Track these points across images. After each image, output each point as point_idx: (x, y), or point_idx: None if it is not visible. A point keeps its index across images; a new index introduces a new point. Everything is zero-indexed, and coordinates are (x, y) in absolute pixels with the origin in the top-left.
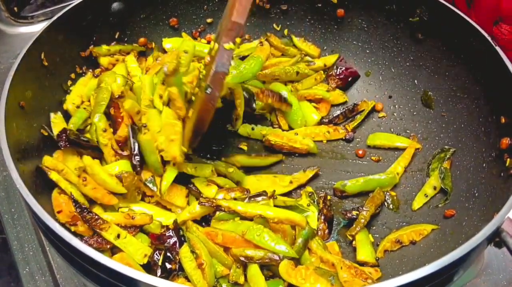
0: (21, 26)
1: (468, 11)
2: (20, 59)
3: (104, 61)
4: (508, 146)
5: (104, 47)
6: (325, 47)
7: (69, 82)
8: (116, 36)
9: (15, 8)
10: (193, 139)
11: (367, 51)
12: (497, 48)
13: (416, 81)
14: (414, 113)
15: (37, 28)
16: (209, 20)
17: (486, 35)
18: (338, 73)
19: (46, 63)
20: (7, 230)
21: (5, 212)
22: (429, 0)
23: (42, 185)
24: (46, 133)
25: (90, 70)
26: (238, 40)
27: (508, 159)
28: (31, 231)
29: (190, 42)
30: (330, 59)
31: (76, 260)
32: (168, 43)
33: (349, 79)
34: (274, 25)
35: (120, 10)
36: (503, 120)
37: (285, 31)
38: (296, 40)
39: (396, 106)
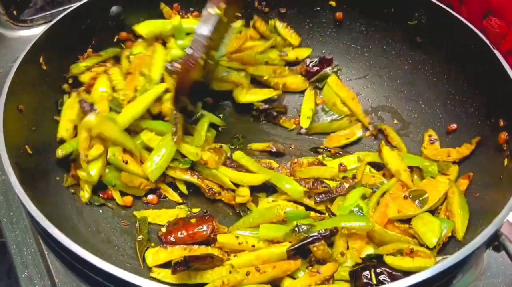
0: (21, 29)
1: (460, 6)
2: (19, 63)
3: (84, 78)
4: (506, 141)
5: (82, 65)
6: (323, 51)
7: (66, 86)
8: (115, 40)
9: (14, 12)
10: (176, 99)
11: (366, 54)
12: (496, 51)
13: (414, 84)
14: (412, 116)
15: (37, 31)
16: None
17: (484, 38)
18: (310, 65)
19: (44, 67)
20: (6, 234)
21: (3, 216)
22: (427, 3)
23: (41, 189)
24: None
25: (73, 90)
26: (222, 5)
27: (506, 159)
28: (30, 235)
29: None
30: (303, 52)
31: (75, 265)
32: (142, 29)
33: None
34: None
35: (119, 14)
36: (501, 123)
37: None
38: (278, 25)
39: (394, 109)
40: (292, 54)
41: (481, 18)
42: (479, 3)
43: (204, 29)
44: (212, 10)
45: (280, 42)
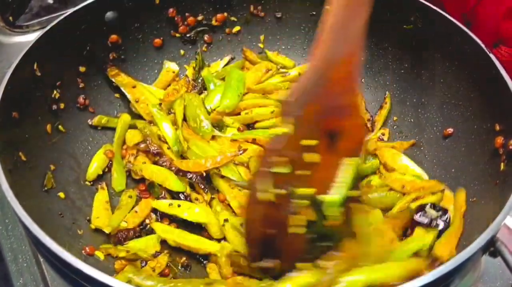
0: (16, 35)
1: None
2: (12, 70)
3: None
4: (502, 145)
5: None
6: None
7: (56, 94)
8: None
9: (10, 18)
10: (250, 251)
11: (362, 58)
12: (491, 55)
13: (410, 88)
14: (409, 120)
15: (32, 37)
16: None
17: (479, 42)
18: None
19: (39, 74)
20: (1, 241)
21: None
22: (423, 7)
23: (34, 196)
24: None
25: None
26: (291, 120)
27: (502, 164)
28: (25, 242)
29: None
30: (304, 68)
31: (68, 274)
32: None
33: None
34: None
35: (114, 20)
36: (497, 127)
37: (261, 45)
38: (270, 54)
39: (390, 113)
40: (294, 72)
41: (491, 47)
42: (489, 32)
43: (266, 156)
44: (281, 126)
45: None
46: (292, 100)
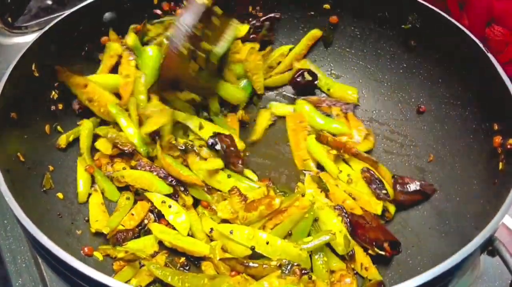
0: (15, 36)
1: (461, 13)
2: (11, 70)
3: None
4: (500, 145)
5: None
6: (316, 55)
7: (55, 95)
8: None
9: (9, 19)
10: (160, 85)
11: (360, 58)
12: (489, 55)
13: (408, 88)
14: (407, 120)
15: (31, 38)
16: None
17: (478, 41)
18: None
19: (37, 74)
20: None
21: None
22: (421, 7)
23: (33, 197)
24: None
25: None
26: None
27: (501, 163)
28: (24, 242)
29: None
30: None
31: (66, 274)
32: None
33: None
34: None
35: (112, 20)
36: (496, 127)
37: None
38: None
39: (389, 113)
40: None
41: (483, 26)
42: (482, 11)
43: (186, 17)
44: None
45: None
46: None
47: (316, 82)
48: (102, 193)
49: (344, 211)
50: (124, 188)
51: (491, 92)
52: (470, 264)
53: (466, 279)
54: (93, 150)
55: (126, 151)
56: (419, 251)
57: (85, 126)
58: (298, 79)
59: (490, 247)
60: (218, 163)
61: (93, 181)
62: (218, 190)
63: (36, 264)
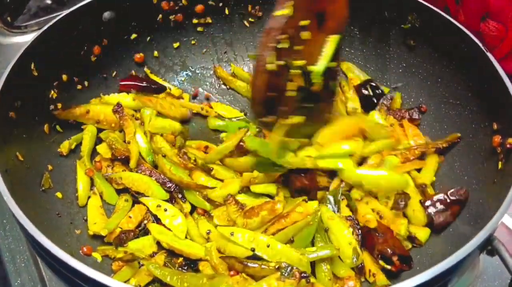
0: (15, 35)
1: (457, 7)
2: (9, 69)
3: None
4: (500, 144)
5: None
6: None
7: (54, 94)
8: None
9: (8, 18)
10: (254, 108)
11: (360, 58)
12: (489, 54)
13: (408, 88)
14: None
15: (31, 37)
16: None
17: (477, 41)
18: None
19: (36, 74)
20: None
21: None
22: (420, 7)
23: (32, 196)
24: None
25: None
26: (288, 3)
27: (500, 162)
28: (23, 242)
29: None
30: None
31: (65, 274)
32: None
33: None
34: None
35: (111, 20)
36: (495, 126)
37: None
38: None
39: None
40: None
41: (478, 21)
42: (477, 5)
43: (268, 30)
44: (278, 12)
45: None
46: None
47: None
48: (101, 196)
49: (356, 222)
50: (123, 191)
51: (490, 92)
52: (470, 263)
53: (466, 278)
54: (93, 153)
55: (120, 158)
56: (418, 250)
57: (89, 130)
58: (364, 92)
59: (489, 246)
60: (235, 187)
61: (92, 184)
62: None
63: (35, 263)
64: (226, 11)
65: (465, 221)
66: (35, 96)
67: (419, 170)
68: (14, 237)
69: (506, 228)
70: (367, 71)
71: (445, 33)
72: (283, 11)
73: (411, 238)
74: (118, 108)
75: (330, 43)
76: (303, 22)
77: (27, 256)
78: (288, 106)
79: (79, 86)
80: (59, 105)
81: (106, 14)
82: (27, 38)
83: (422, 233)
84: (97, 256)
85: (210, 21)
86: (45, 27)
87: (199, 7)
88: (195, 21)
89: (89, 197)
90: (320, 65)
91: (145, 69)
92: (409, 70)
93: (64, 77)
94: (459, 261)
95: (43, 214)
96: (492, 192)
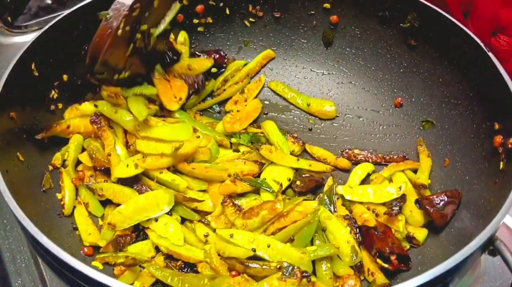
0: (15, 35)
1: (465, 22)
2: (10, 69)
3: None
4: (501, 144)
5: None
6: (316, 55)
7: (54, 94)
8: None
9: (9, 18)
10: (89, 67)
11: (361, 58)
12: (490, 54)
13: (409, 88)
14: (407, 119)
15: (31, 37)
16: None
17: (478, 40)
18: None
19: (36, 74)
20: None
21: None
22: (419, 6)
23: (32, 197)
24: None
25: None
26: None
27: (502, 163)
28: (24, 242)
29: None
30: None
31: (65, 274)
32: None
33: None
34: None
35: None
36: (496, 126)
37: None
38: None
39: (389, 112)
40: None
41: (489, 36)
42: (487, 21)
43: None
44: None
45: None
46: None
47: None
48: (86, 206)
49: (354, 220)
50: (108, 201)
51: (491, 92)
52: (471, 264)
53: (467, 279)
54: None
55: (98, 168)
56: (419, 251)
57: (75, 139)
58: None
59: (491, 246)
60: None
61: (76, 193)
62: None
63: (35, 264)
64: (227, 11)
65: (467, 221)
66: (35, 96)
67: (415, 172)
68: (15, 237)
69: (507, 229)
70: (368, 71)
71: (446, 33)
72: None
73: (409, 238)
74: (96, 119)
75: (173, 9)
76: None
77: (27, 257)
78: (121, 64)
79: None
80: (60, 106)
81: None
82: (27, 38)
83: (420, 233)
84: (97, 264)
85: (210, 21)
86: (45, 27)
87: (199, 7)
88: (195, 21)
89: (74, 207)
90: (160, 28)
91: None
92: (410, 70)
93: (65, 77)
94: (461, 262)
95: (44, 214)
96: (494, 192)
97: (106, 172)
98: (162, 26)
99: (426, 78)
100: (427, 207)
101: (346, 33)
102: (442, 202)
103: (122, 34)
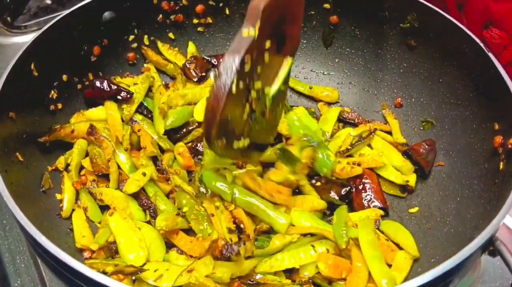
0: (15, 36)
1: (460, 15)
2: (9, 69)
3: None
4: (501, 144)
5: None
6: (316, 55)
7: (54, 95)
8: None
9: (8, 18)
10: (206, 132)
11: (360, 58)
12: (490, 54)
13: (409, 88)
14: (408, 119)
15: (30, 37)
16: None
17: (478, 41)
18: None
19: (36, 74)
20: None
21: None
22: (419, 6)
23: (32, 197)
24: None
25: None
26: (257, 24)
27: (502, 163)
28: (23, 242)
29: None
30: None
31: (65, 275)
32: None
33: None
34: (170, 34)
35: (111, 20)
36: (496, 127)
37: (146, 38)
38: (161, 46)
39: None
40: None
41: (481, 29)
42: (480, 13)
43: (234, 50)
44: (245, 30)
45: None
46: (261, 6)
47: None
48: (85, 211)
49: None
50: (107, 207)
51: (491, 92)
52: (471, 264)
53: (467, 279)
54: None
55: (96, 174)
56: (419, 251)
57: (79, 144)
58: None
59: (491, 247)
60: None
61: (76, 197)
62: None
63: (35, 264)
64: (227, 11)
65: (467, 221)
66: (35, 97)
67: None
68: (14, 237)
69: (507, 229)
70: (368, 71)
71: (445, 33)
72: (250, 32)
73: (403, 186)
74: (91, 131)
75: (286, 66)
76: (267, 44)
77: (27, 257)
78: (239, 129)
79: (79, 86)
80: (59, 106)
81: (106, 14)
82: (27, 38)
83: (411, 178)
84: None
85: (210, 21)
86: (45, 27)
87: (199, 7)
88: (195, 21)
89: (73, 210)
90: (275, 88)
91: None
92: (410, 70)
93: (64, 77)
94: (461, 262)
95: (43, 214)
96: (494, 192)
97: (108, 178)
98: (276, 85)
99: (426, 78)
100: (416, 157)
101: (346, 33)
102: (425, 151)
103: (237, 92)
